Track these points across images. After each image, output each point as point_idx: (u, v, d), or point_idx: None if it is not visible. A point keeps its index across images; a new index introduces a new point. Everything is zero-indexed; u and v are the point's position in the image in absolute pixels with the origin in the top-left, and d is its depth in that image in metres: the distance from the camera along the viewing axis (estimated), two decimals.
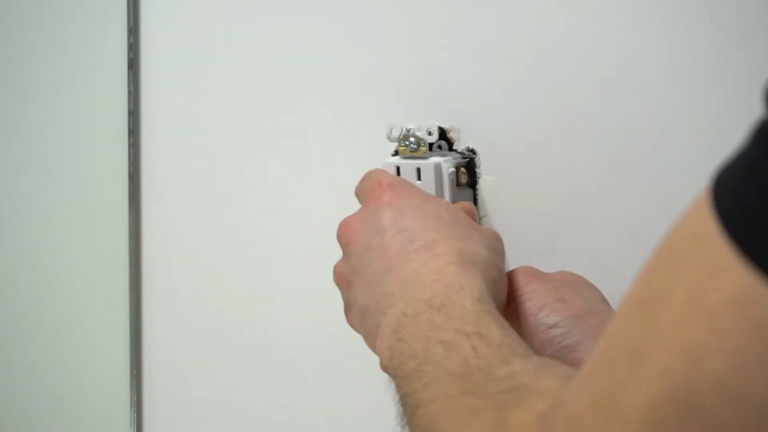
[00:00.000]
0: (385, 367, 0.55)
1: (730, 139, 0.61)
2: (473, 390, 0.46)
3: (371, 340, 0.60)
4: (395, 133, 0.71)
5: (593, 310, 0.60)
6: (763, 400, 0.31)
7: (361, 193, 0.66)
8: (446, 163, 0.69)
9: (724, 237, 0.32)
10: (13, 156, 0.98)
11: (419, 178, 0.68)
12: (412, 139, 0.69)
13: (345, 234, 0.63)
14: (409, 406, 0.50)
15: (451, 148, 0.71)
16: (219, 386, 0.87)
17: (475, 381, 0.47)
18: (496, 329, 0.50)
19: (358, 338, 0.63)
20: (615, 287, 0.68)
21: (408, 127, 0.70)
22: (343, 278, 0.63)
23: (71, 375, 0.96)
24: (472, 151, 0.71)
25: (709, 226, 0.32)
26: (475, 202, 0.71)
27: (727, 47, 0.61)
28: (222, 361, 0.87)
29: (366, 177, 0.66)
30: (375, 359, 0.63)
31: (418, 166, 0.68)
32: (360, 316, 0.61)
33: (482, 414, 0.44)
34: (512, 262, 0.69)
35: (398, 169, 0.69)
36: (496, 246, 0.62)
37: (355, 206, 0.66)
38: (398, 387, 0.52)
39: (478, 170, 0.71)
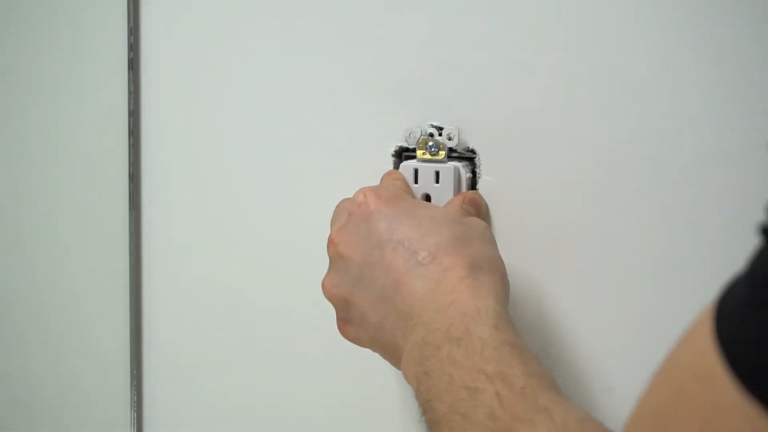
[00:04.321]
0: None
1: (730, 139, 0.62)
2: None
3: (391, 358, 0.60)
4: (414, 137, 0.71)
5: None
6: None
7: (341, 210, 0.64)
8: (464, 168, 0.69)
9: (729, 376, 0.32)
10: (13, 156, 0.98)
11: (437, 181, 0.69)
12: (431, 143, 0.70)
13: (337, 248, 0.61)
14: None
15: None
16: (220, 386, 0.87)
17: None
18: (517, 366, 0.49)
19: None
20: (615, 287, 0.68)
21: (429, 132, 0.71)
22: (339, 295, 0.61)
23: (71, 375, 0.96)
24: (472, 151, 0.71)
25: (714, 365, 0.33)
26: None
27: (728, 47, 0.61)
28: (223, 360, 0.87)
29: (341, 201, 0.65)
30: (379, 358, 0.63)
31: (437, 169, 0.69)
32: (373, 333, 0.60)
33: None
34: (512, 262, 0.69)
35: (416, 171, 0.70)
36: (489, 237, 0.62)
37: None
38: (428, 421, 0.52)
39: (478, 170, 0.71)
